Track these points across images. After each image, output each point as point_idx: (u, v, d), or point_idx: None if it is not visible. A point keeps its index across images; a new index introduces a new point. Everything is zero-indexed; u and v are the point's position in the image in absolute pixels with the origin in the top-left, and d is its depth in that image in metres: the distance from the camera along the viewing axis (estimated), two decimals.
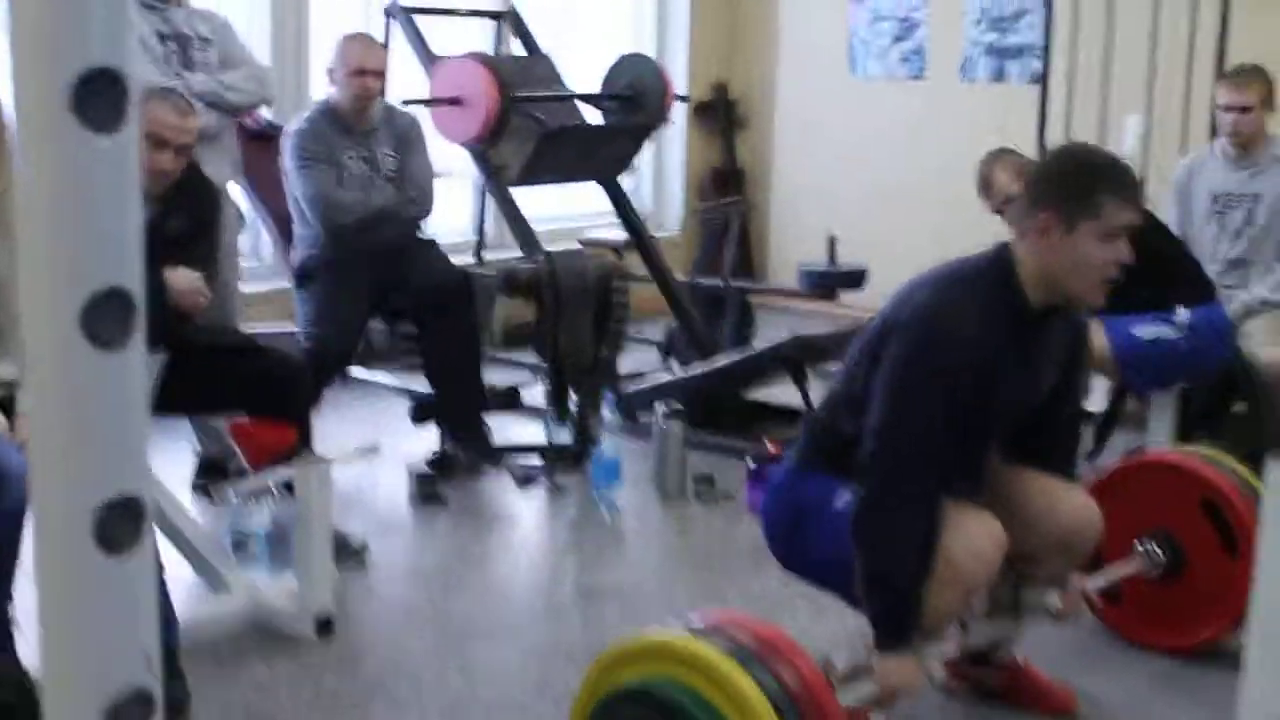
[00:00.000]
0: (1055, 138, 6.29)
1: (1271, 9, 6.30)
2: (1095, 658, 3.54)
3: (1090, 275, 2.77)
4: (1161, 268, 4.59)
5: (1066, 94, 6.35)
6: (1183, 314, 4.49)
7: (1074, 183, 2.76)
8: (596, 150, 5.97)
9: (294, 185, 4.93)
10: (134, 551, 0.90)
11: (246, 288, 5.45)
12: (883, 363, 2.78)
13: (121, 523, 0.88)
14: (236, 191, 5.10)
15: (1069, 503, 3.04)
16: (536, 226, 5.69)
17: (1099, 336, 4.45)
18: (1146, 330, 4.51)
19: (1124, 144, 5.69)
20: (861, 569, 2.76)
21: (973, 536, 2.77)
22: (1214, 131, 5.56)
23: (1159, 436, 4.73)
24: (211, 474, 4.56)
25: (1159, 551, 3.49)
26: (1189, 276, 4.68)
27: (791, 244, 8.11)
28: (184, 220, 3.83)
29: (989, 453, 3.05)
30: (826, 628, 3.66)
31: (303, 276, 4.96)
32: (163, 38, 4.54)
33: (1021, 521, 2.93)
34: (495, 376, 5.33)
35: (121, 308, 0.86)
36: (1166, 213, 5.17)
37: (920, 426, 2.72)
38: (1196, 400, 4.91)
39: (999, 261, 2.83)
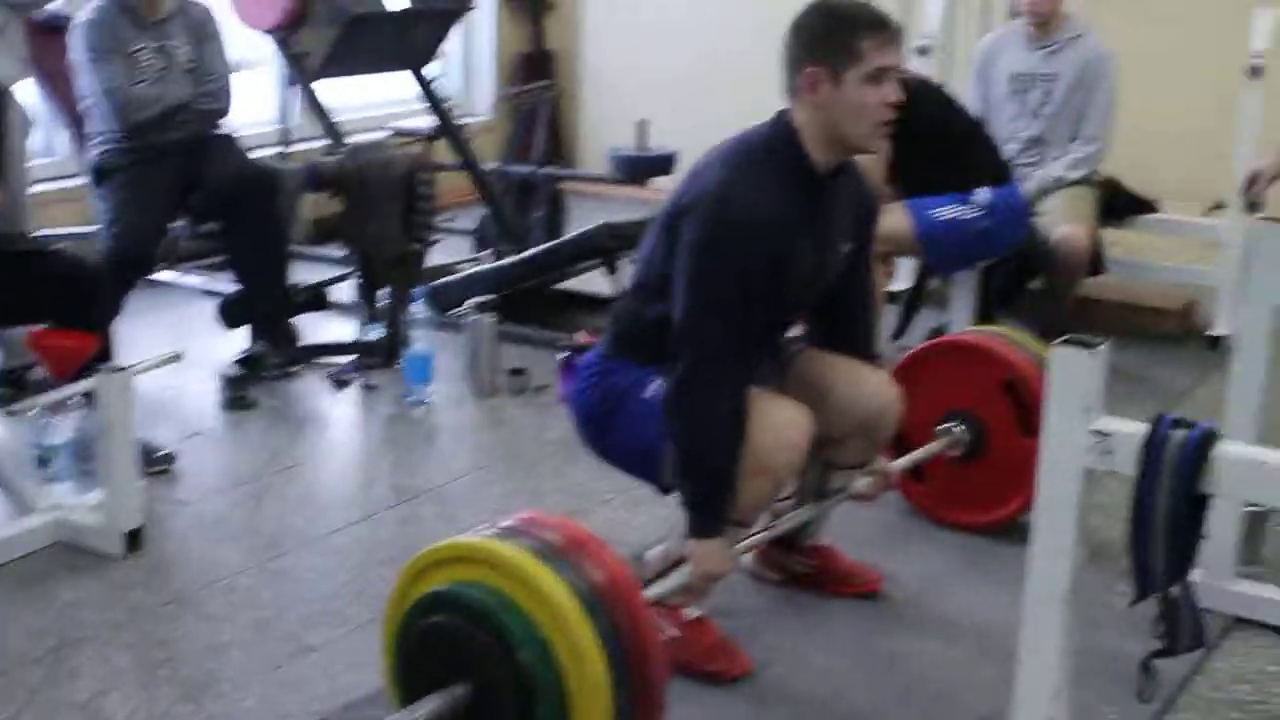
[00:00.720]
0: None
1: None
2: (899, 538, 3.64)
3: (866, 120, 2.77)
4: (960, 149, 4.68)
5: None
6: (981, 194, 4.58)
7: (831, 33, 2.75)
8: (403, 37, 5.85)
9: (85, 80, 4.76)
10: None
11: (41, 188, 5.27)
12: (679, 247, 2.77)
13: None
14: (28, 88, 4.90)
15: (871, 385, 3.08)
16: (343, 116, 5.59)
17: (902, 219, 4.53)
18: (946, 211, 4.59)
19: (929, 22, 5.73)
20: (675, 454, 2.78)
21: (779, 426, 2.80)
22: (1013, 12, 5.65)
23: (961, 315, 4.85)
24: (12, 387, 4.43)
25: (962, 431, 3.58)
26: (987, 157, 4.77)
27: (603, 129, 8.05)
28: None
29: (789, 330, 3.09)
30: (641, 519, 3.71)
31: (99, 174, 4.80)
32: None
33: (825, 406, 2.97)
34: (303, 274, 5.24)
35: None
36: (967, 93, 5.25)
37: (722, 307, 2.73)
38: (996, 278, 5.03)
39: (780, 129, 2.83)
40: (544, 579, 2.33)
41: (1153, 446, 2.16)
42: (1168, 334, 5.38)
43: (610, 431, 3.00)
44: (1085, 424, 2.22)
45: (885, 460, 3.24)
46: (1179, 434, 2.14)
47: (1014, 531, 3.58)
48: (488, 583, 2.38)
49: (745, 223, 2.71)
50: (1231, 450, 2.14)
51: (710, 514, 2.79)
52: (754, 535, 2.99)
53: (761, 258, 2.72)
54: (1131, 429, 2.19)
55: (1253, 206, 3.84)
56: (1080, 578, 2.29)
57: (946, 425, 3.59)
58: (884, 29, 2.76)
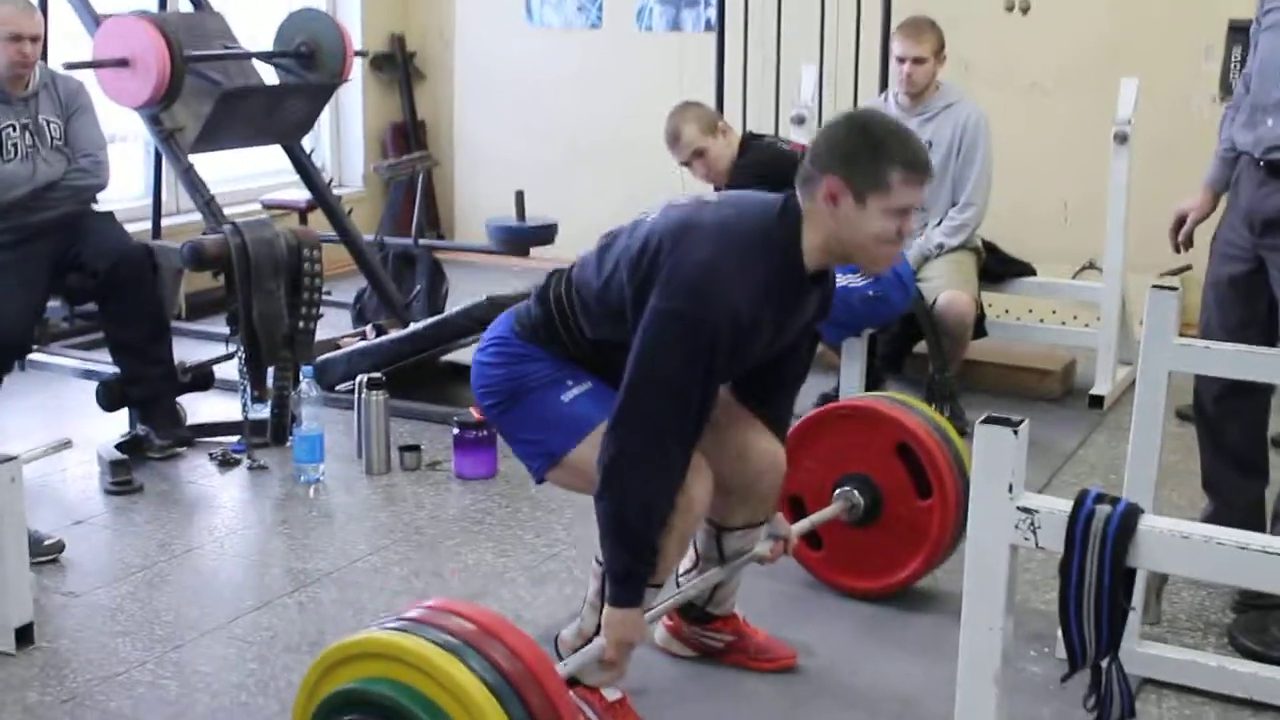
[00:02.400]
0: (733, 85, 6.41)
1: None
2: (808, 609, 3.65)
3: (876, 248, 2.72)
4: None
5: (742, 42, 6.46)
6: None
7: (867, 155, 2.66)
8: (277, 111, 5.78)
9: None
10: None
11: None
12: (648, 314, 2.70)
13: None
14: None
15: (756, 448, 3.07)
16: (213, 188, 5.49)
17: None
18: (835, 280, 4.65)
19: (802, 93, 5.81)
20: (611, 525, 2.73)
21: (688, 485, 2.78)
22: (884, 83, 5.76)
23: (851, 380, 4.91)
24: None
25: (858, 495, 3.60)
26: None
27: (477, 198, 8.07)
28: None
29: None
30: (545, 596, 3.69)
31: None
32: None
33: (717, 452, 2.95)
34: (185, 351, 5.13)
35: None
36: None
37: (678, 386, 2.69)
38: (882, 344, 5.11)
39: (785, 223, 2.74)
40: (454, 672, 2.29)
41: (1078, 523, 2.19)
42: (1049, 394, 5.49)
43: (513, 413, 2.99)
44: (1010, 502, 2.24)
45: (786, 524, 3.26)
46: (1103, 510, 2.18)
47: (915, 598, 3.65)
48: (398, 679, 2.33)
49: (722, 304, 2.66)
50: (1156, 525, 2.17)
51: (637, 584, 2.78)
52: (665, 602, 2.98)
53: (728, 338, 2.68)
54: (1056, 506, 2.22)
55: (1182, 248, 3.89)
56: (1010, 653, 2.30)
57: (842, 489, 3.61)
58: (918, 169, 2.69)
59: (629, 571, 2.77)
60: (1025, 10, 6.13)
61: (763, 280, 2.71)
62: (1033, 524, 2.24)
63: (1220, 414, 3.71)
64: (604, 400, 2.82)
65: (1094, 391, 5.40)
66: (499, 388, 2.99)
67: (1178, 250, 3.87)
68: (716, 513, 3.10)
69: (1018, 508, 2.24)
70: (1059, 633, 2.20)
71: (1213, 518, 3.64)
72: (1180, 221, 3.83)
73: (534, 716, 2.32)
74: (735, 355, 2.75)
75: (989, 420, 2.26)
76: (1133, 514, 2.17)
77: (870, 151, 2.67)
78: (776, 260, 2.73)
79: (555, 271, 3.02)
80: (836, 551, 3.72)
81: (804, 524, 3.46)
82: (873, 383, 4.99)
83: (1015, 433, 2.24)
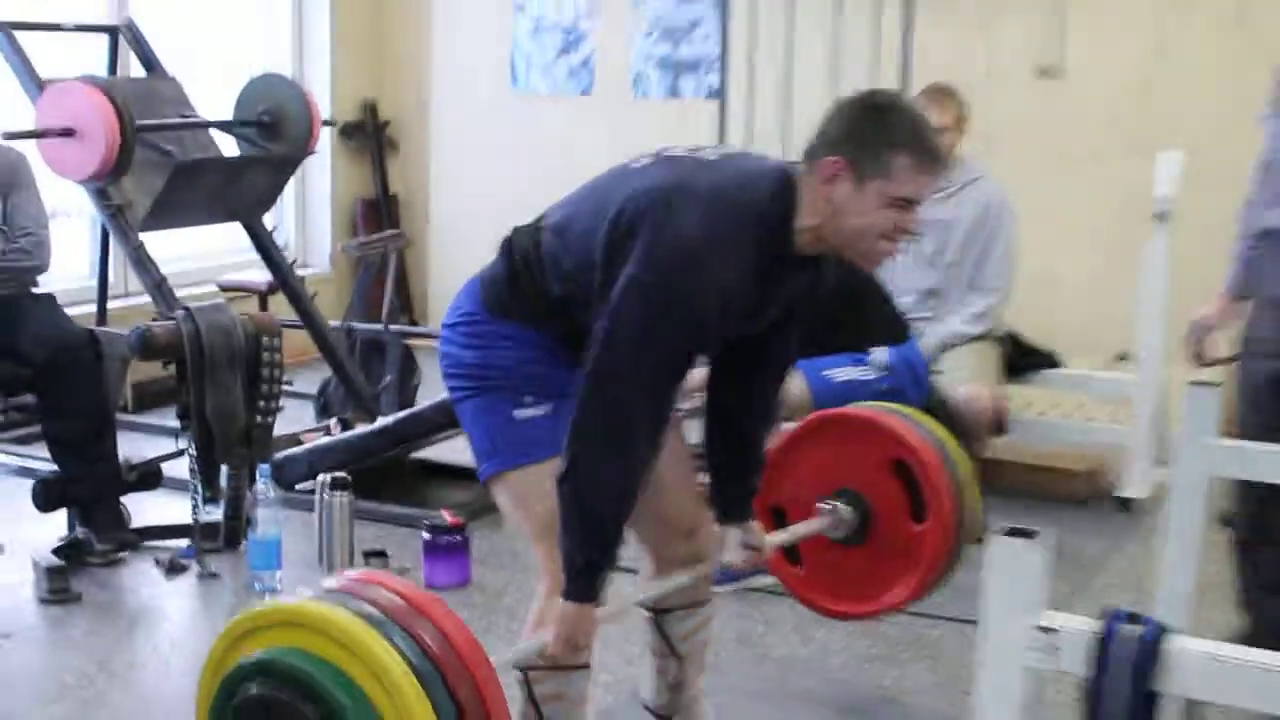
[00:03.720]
0: None
1: (953, 24, 6.62)
2: None
3: (868, 241, 2.71)
4: (855, 304, 4.77)
5: (747, 110, 6.52)
6: (879, 354, 4.68)
7: (871, 134, 2.66)
8: (236, 185, 5.85)
9: None
10: None
11: None
12: (624, 278, 2.69)
13: None
14: None
15: (674, 508, 3.12)
16: (166, 268, 5.52)
17: (797, 381, 4.60)
18: (842, 372, 4.68)
19: None
20: (573, 510, 2.72)
21: None
22: None
23: None
24: None
25: (847, 510, 3.48)
26: (883, 313, 4.87)
27: (453, 280, 7.97)
28: None
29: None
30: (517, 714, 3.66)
31: None
32: None
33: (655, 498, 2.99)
34: (131, 446, 5.14)
35: None
36: None
37: (656, 360, 2.69)
38: None
39: (780, 201, 2.73)
40: (375, 648, 2.26)
41: (1102, 645, 2.20)
42: (1075, 496, 5.49)
43: (471, 403, 3.01)
44: (1027, 620, 2.25)
45: (761, 533, 3.23)
46: (1130, 631, 2.19)
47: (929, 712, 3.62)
48: (312, 650, 2.29)
49: (710, 292, 2.67)
50: (1187, 647, 2.19)
51: (594, 577, 2.76)
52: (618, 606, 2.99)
53: (712, 313, 2.70)
54: (1079, 625, 2.23)
55: (1198, 357, 3.91)
56: None
57: (829, 502, 3.50)
58: (927, 155, 2.68)
59: (588, 562, 2.74)
60: (1057, 76, 6.17)
61: (752, 254, 2.71)
62: (1052, 644, 2.25)
63: (1256, 532, 3.69)
64: (555, 432, 2.81)
65: (1124, 494, 5.41)
66: (467, 373, 3.01)
67: (1194, 363, 3.89)
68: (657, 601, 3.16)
69: (1036, 627, 2.25)
70: None
71: (1247, 639, 3.62)
72: (1198, 330, 3.85)
73: (459, 702, 2.29)
74: (713, 330, 2.77)
75: (1010, 533, 2.26)
76: (1162, 635, 2.19)
77: (875, 130, 2.67)
78: (766, 242, 2.73)
79: (517, 228, 3.05)
80: (816, 570, 3.62)
81: (782, 535, 3.41)
82: None
83: (1036, 546, 2.25)
